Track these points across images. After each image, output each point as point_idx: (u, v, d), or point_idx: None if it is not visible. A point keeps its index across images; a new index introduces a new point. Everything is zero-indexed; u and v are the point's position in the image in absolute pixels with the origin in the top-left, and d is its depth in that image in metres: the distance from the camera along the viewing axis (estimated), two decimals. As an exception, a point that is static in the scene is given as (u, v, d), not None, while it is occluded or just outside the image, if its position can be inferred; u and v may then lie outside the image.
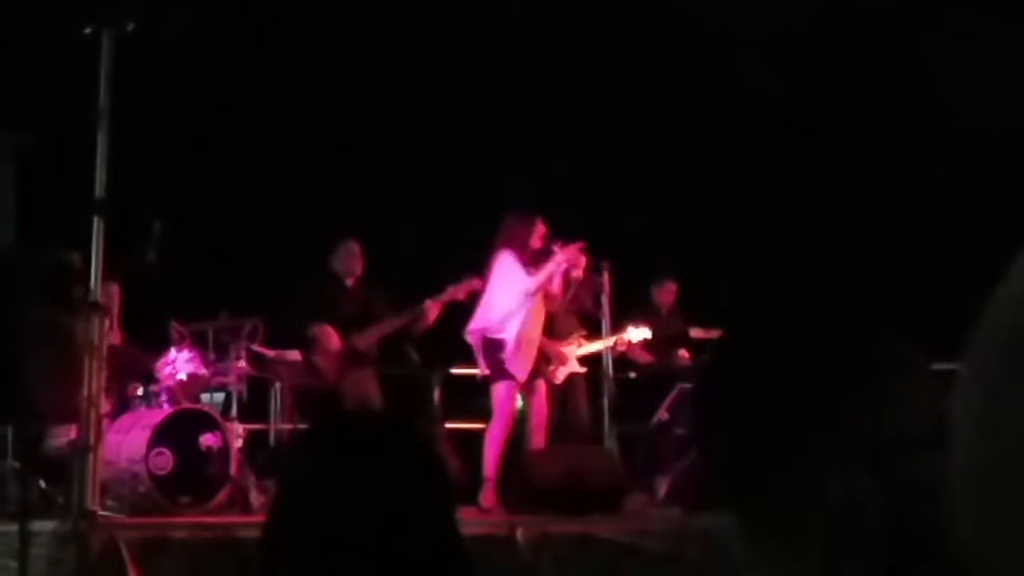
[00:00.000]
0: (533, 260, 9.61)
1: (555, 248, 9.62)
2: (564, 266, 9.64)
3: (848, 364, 1.37)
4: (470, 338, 9.71)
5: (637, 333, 10.54)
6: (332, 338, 9.82)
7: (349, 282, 10.17)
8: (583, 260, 9.96)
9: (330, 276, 10.18)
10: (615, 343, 10.26)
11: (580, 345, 10.18)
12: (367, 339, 9.94)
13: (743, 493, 1.38)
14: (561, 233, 9.78)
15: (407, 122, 13.07)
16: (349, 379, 9.84)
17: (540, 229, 9.67)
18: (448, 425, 10.91)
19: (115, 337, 9.27)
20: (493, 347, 9.53)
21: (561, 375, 9.97)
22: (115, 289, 9.47)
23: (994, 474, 0.83)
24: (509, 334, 9.51)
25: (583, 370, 10.26)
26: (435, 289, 9.85)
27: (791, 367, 1.37)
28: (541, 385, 9.69)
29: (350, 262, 10.16)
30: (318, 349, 9.83)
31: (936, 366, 1.42)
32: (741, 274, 11.88)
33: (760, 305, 1.49)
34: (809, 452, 1.32)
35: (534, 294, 9.57)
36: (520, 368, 9.51)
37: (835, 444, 1.32)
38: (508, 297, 9.54)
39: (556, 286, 9.74)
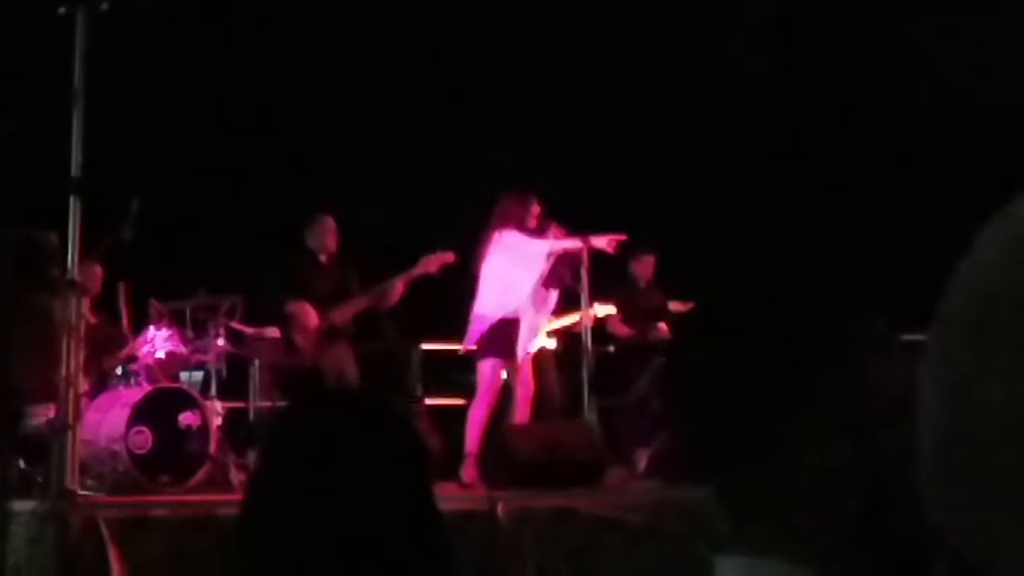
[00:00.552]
0: (538, 238, 9.62)
1: (551, 226, 9.62)
2: (587, 248, 9.64)
3: (823, 337, 1.38)
4: (475, 323, 9.64)
5: (603, 309, 10.56)
6: (310, 314, 9.82)
7: (323, 258, 10.14)
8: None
9: (304, 252, 10.15)
10: (581, 318, 10.26)
11: (549, 320, 10.18)
12: (343, 314, 9.93)
13: (720, 468, 1.39)
14: (542, 207, 9.79)
15: (386, 100, 13.04)
16: (327, 355, 9.83)
17: (535, 208, 9.67)
18: (428, 401, 10.92)
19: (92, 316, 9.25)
20: (504, 327, 9.51)
21: (531, 348, 9.99)
22: (97, 270, 9.45)
23: (959, 448, 0.84)
24: (526, 313, 9.54)
25: (552, 344, 10.28)
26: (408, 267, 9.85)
27: (765, 340, 1.38)
28: (526, 359, 9.67)
29: (325, 238, 10.13)
30: (296, 326, 9.81)
31: (909, 337, 1.43)
32: (716, 249, 11.89)
33: (734, 278, 1.50)
34: (785, 425, 1.33)
35: (548, 257, 9.56)
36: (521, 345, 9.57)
37: (811, 416, 1.33)
38: (521, 272, 9.52)
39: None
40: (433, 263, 9.76)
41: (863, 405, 1.33)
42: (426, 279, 9.83)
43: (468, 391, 9.81)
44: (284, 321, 9.83)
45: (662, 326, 11.31)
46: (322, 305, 9.87)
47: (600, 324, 10.66)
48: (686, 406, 1.43)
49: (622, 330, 11.24)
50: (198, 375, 10.05)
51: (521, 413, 9.56)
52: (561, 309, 10.27)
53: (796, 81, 13.46)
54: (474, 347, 9.61)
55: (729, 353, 1.39)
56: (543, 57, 13.43)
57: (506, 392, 9.67)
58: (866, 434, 1.32)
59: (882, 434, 1.31)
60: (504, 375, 9.64)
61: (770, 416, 1.34)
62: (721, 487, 1.40)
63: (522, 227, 9.57)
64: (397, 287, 9.78)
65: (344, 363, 9.87)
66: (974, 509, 0.83)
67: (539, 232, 9.63)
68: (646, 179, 13.20)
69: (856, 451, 1.32)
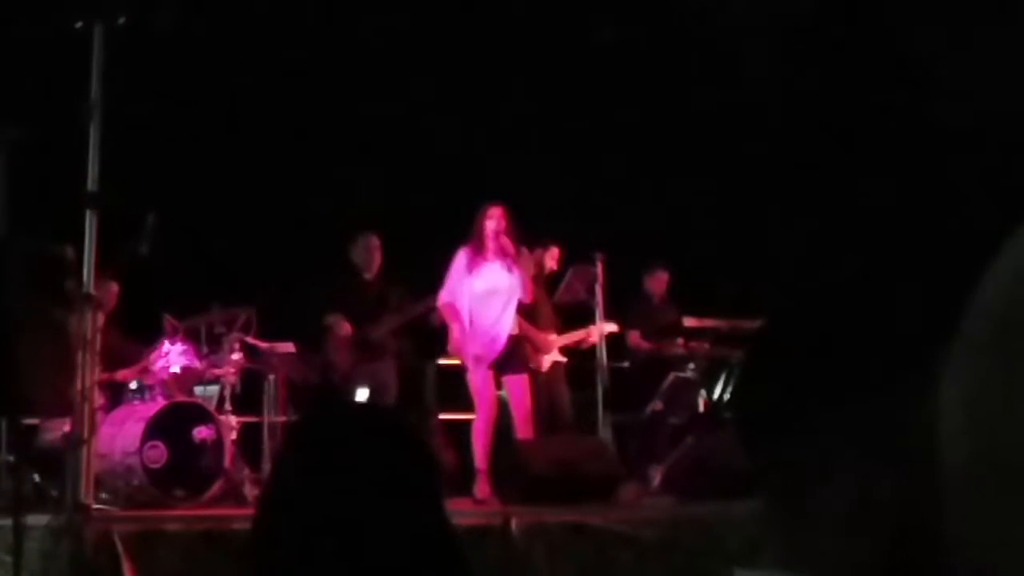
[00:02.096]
0: (497, 252, 9.40)
1: (504, 239, 9.39)
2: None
3: (888, 361, 1.36)
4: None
5: (605, 328, 10.45)
6: (344, 327, 9.91)
7: (367, 276, 10.23)
8: (555, 252, 10.08)
9: (348, 269, 10.23)
10: (585, 336, 10.31)
11: (558, 335, 10.21)
12: (381, 329, 10.01)
13: (774, 483, 1.39)
14: (556, 223, 9.77)
15: (401, 115, 13.04)
16: (365, 369, 9.92)
17: (492, 222, 9.38)
18: (443, 416, 10.92)
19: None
20: (481, 339, 9.51)
21: (546, 363, 9.98)
22: (113, 284, 9.46)
23: (985, 465, 0.83)
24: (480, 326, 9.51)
25: (564, 359, 10.28)
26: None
27: (836, 357, 1.37)
28: (523, 379, 9.57)
29: (369, 255, 10.24)
30: (331, 338, 9.90)
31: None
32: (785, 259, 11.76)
33: (809, 291, 1.49)
34: (837, 448, 1.32)
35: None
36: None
37: (861, 440, 1.32)
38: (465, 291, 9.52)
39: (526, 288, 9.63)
40: None
41: (926, 436, 1.32)
42: None
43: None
44: (321, 334, 9.93)
45: (679, 342, 11.28)
46: (362, 321, 9.94)
47: (619, 339, 10.67)
48: (756, 410, 1.43)
49: (643, 345, 11.20)
50: (213, 390, 10.06)
51: (522, 432, 9.47)
52: (580, 325, 10.30)
53: (811, 91, 13.40)
54: (459, 360, 9.64)
55: (801, 366, 1.38)
56: (559, 70, 13.43)
57: (508, 406, 9.65)
58: (913, 468, 1.31)
59: (929, 470, 1.30)
60: (502, 390, 9.61)
61: (830, 433, 1.34)
62: (769, 496, 1.39)
63: (480, 242, 9.41)
64: None
65: (383, 378, 9.99)
66: (1001, 525, 0.82)
67: (496, 246, 9.42)
68: (661, 193, 13.19)
69: (903, 481, 1.31)
